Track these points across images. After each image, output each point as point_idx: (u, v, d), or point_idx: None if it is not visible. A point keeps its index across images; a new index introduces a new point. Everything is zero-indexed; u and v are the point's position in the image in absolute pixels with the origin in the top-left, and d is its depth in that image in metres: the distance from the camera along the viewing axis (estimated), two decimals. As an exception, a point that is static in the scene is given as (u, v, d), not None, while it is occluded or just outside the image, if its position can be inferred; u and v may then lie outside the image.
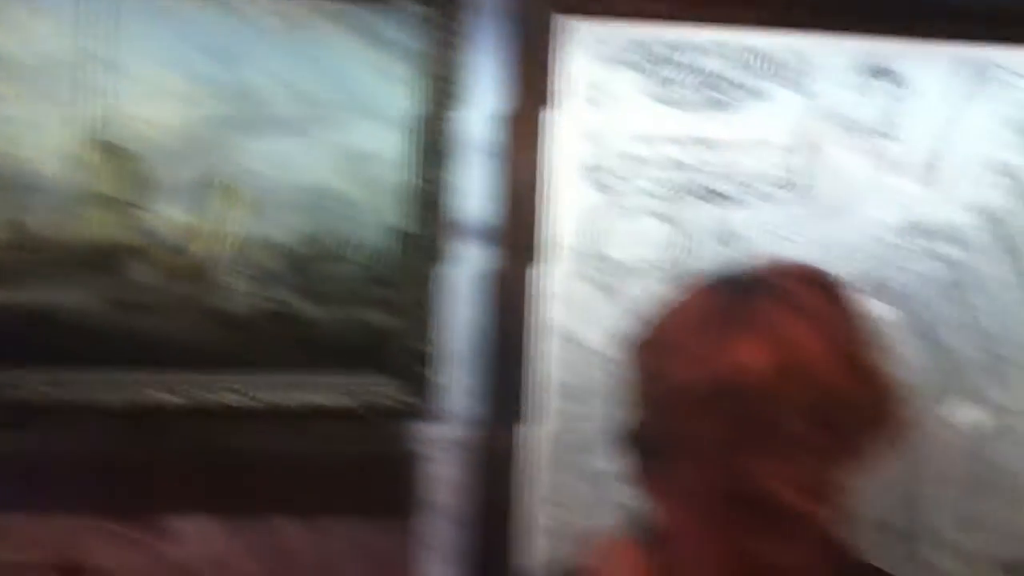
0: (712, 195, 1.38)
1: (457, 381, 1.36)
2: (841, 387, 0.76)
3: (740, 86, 1.38)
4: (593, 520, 1.33)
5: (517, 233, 1.35)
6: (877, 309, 1.43)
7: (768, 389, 0.74)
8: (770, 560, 0.78)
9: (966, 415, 1.47)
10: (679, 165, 1.37)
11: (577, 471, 1.34)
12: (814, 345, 0.76)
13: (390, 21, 1.31)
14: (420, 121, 1.33)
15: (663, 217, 1.37)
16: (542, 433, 1.35)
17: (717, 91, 1.37)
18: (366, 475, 1.36)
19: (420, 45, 1.31)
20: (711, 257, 1.34)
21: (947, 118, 1.43)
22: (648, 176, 1.36)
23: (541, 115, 1.34)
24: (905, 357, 1.45)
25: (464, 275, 1.36)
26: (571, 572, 0.93)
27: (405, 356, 1.35)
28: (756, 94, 1.38)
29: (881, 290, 1.42)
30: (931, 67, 1.42)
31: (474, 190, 1.35)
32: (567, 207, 1.35)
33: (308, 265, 1.33)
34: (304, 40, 1.29)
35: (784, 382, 0.74)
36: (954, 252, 1.44)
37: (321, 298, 1.33)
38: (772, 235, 1.37)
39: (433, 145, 1.33)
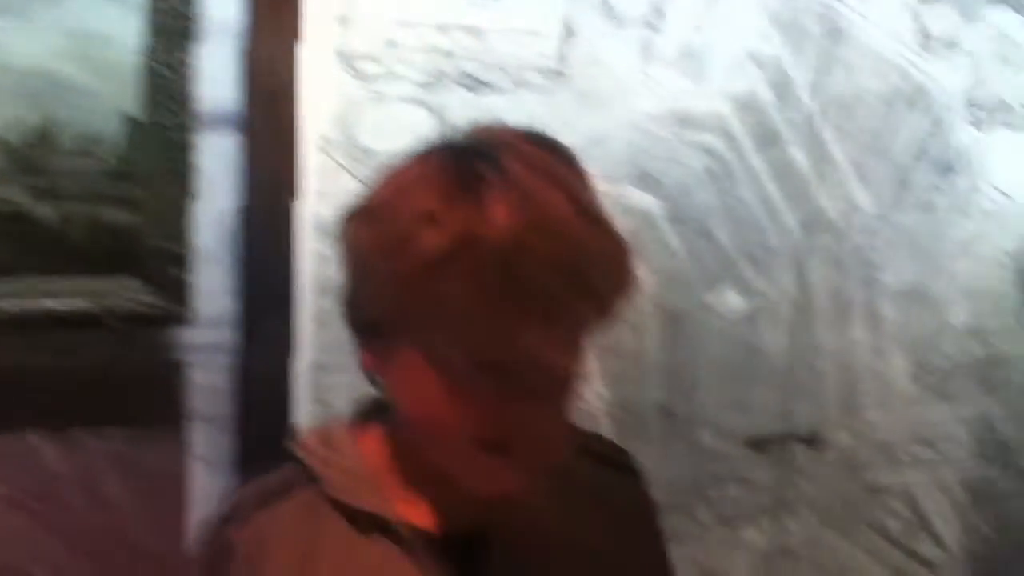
0: (474, 83, 1.34)
1: (213, 282, 1.29)
2: (588, 241, 0.74)
3: (500, -32, 1.34)
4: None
5: (269, 122, 1.27)
6: (640, 199, 1.45)
7: (521, 247, 0.71)
8: (526, 428, 0.76)
9: (730, 302, 1.53)
10: (439, 51, 1.32)
11: (340, 369, 1.30)
12: (559, 201, 0.74)
13: None
14: (155, -2, 1.22)
15: (423, 105, 1.32)
16: (303, 331, 1.31)
17: (476, -28, 1.33)
18: (121, 385, 1.28)
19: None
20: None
21: (707, 8, 1.44)
22: (407, 62, 1.31)
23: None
24: (671, 246, 1.48)
25: (215, 168, 1.27)
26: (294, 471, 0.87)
27: (154, 257, 1.27)
28: (517, -23, 1.35)
29: (644, 180, 1.44)
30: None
31: (221, 76, 1.26)
32: (322, 94, 1.28)
33: (36, 160, 1.21)
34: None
35: (536, 238, 0.72)
36: (715, 142, 1.47)
37: (54, 196, 1.22)
38: (535, 124, 1.35)
39: (173, 25, 1.23)
